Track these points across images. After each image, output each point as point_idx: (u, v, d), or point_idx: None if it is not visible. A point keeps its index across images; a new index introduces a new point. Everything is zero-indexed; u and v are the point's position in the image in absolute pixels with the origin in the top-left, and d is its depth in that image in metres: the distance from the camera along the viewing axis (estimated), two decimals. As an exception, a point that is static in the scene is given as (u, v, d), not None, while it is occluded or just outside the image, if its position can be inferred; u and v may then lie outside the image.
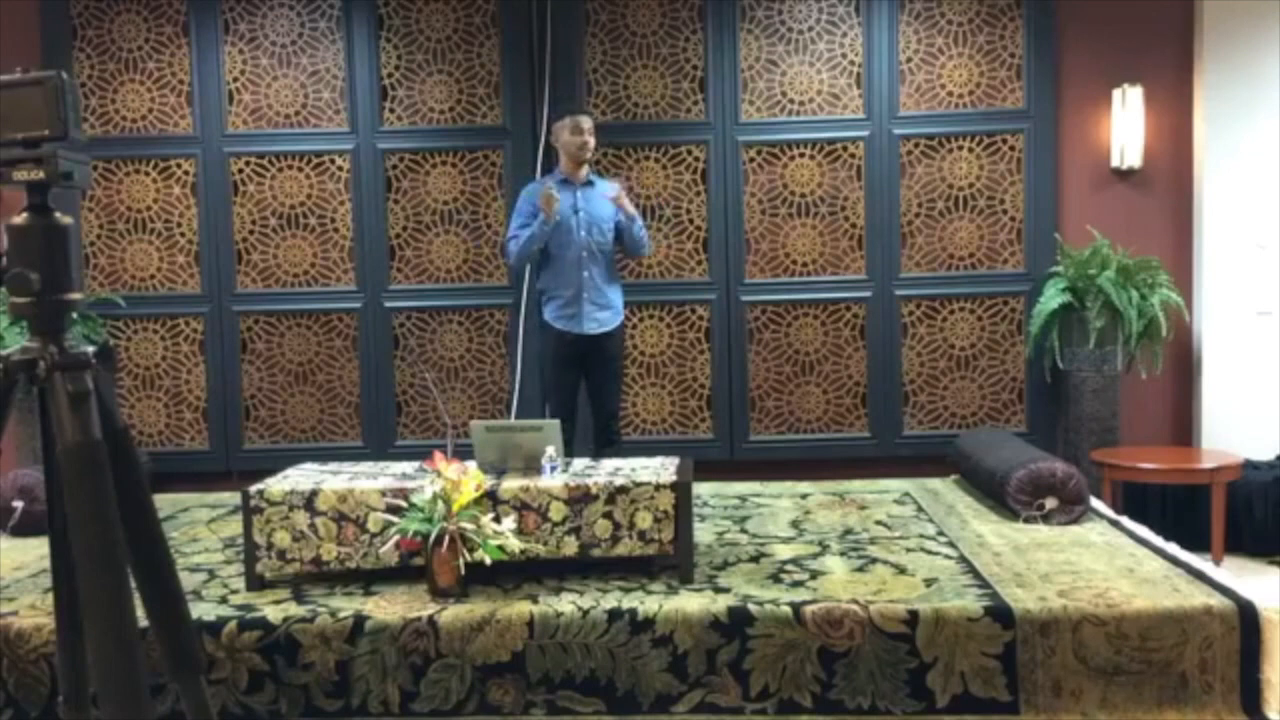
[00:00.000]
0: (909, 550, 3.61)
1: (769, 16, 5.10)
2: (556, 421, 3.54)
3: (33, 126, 1.50)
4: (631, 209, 4.37)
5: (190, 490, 4.94)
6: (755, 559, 3.54)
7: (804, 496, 4.51)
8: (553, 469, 3.40)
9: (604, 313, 4.40)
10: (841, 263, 5.15)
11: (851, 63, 5.09)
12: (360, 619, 3.02)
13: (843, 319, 5.17)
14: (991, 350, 5.15)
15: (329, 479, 3.46)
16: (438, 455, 3.22)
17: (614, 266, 4.49)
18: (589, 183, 4.44)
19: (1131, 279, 4.78)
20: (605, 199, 4.38)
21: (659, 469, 3.47)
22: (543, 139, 5.06)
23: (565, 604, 3.07)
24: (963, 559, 3.48)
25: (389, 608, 3.09)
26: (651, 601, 3.07)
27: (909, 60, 5.08)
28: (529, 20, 5.11)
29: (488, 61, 5.15)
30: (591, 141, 4.39)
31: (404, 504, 3.21)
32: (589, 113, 4.62)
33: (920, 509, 4.23)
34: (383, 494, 3.28)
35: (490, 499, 3.26)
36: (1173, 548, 3.54)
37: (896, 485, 4.69)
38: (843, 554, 3.58)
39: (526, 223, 4.34)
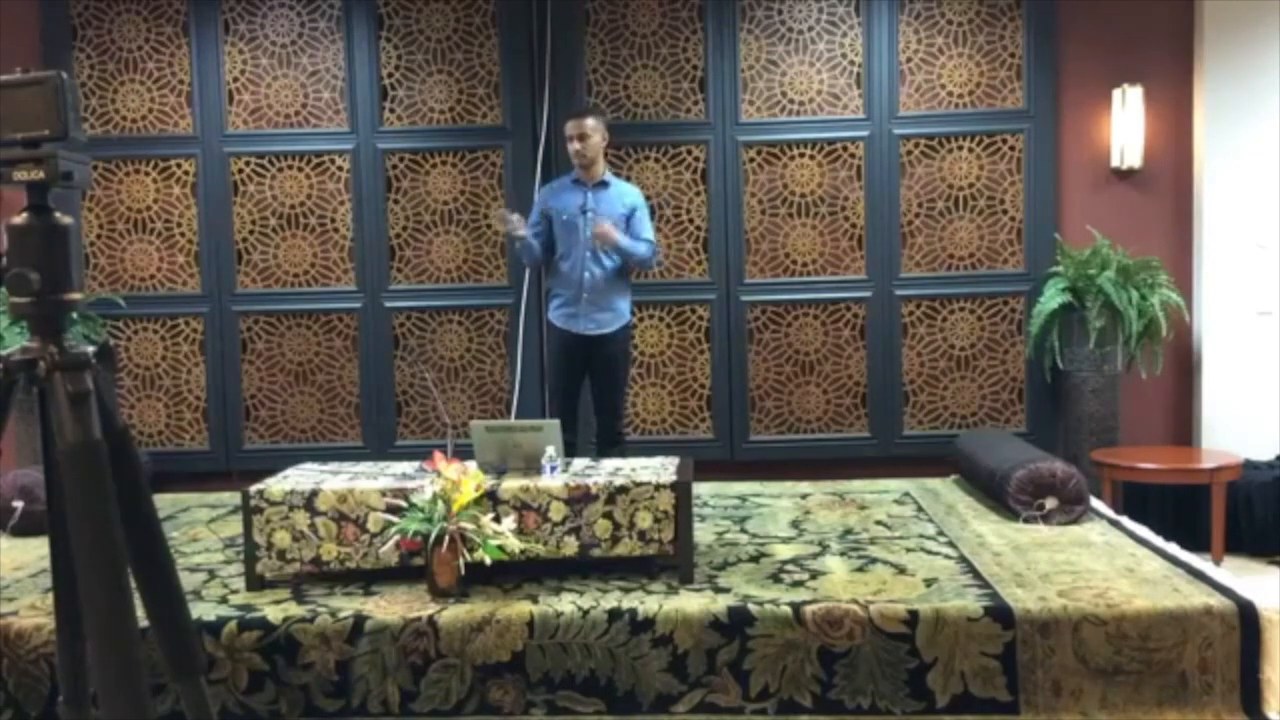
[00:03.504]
0: (909, 550, 3.61)
1: (769, 16, 5.10)
2: (556, 421, 3.54)
3: (33, 126, 1.50)
4: (613, 242, 4.26)
5: (190, 490, 4.94)
6: (755, 559, 3.54)
7: (804, 496, 4.50)
8: (553, 469, 3.40)
9: (603, 314, 4.38)
10: (841, 263, 5.15)
11: (851, 63, 5.09)
12: (360, 619, 3.02)
13: (843, 319, 5.17)
14: (991, 350, 5.15)
15: (329, 479, 3.46)
16: (438, 455, 3.22)
17: (623, 270, 4.44)
18: (603, 183, 4.41)
19: (1131, 279, 4.78)
20: (619, 202, 4.39)
21: (659, 469, 3.47)
22: (543, 139, 5.06)
23: (565, 604, 3.07)
24: (963, 559, 3.48)
25: (389, 608, 3.09)
26: (651, 601, 3.07)
27: (909, 60, 5.08)
28: (529, 20, 5.11)
29: (488, 61, 5.15)
30: (581, 145, 4.31)
31: (404, 504, 3.21)
32: (594, 108, 4.59)
33: (920, 509, 4.23)
34: (383, 494, 3.28)
35: (490, 499, 3.26)
36: (1173, 548, 3.54)
37: (896, 485, 4.69)
38: (843, 554, 3.58)
39: (536, 222, 4.45)
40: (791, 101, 5.12)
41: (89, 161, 1.59)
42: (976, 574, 3.30)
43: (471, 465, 3.36)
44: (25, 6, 5.13)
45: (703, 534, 3.82)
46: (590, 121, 4.35)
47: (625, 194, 4.46)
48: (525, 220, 4.38)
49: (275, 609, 3.10)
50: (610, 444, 4.41)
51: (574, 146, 4.34)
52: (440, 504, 3.12)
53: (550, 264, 4.51)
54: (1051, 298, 4.80)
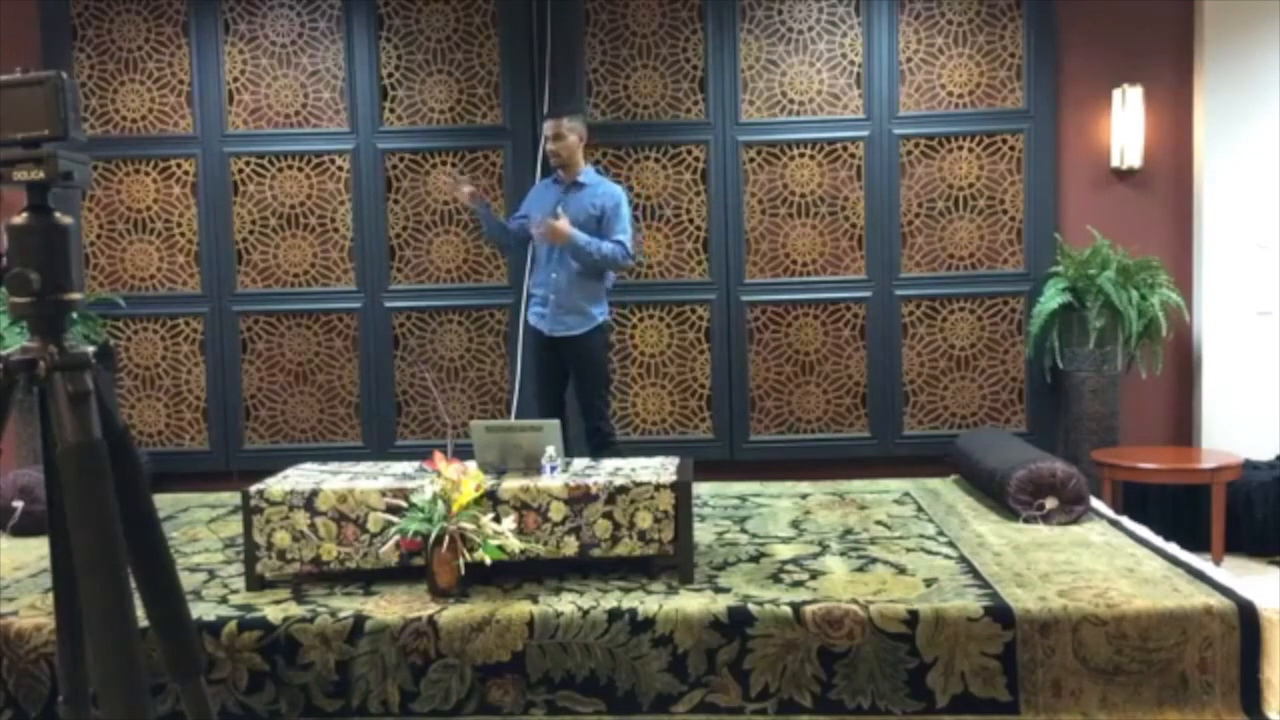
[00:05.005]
0: (909, 550, 3.61)
1: (769, 16, 5.10)
2: (556, 421, 3.54)
3: (33, 126, 1.50)
4: (562, 237, 4.20)
5: (190, 490, 4.94)
6: (755, 559, 3.54)
7: (804, 496, 4.51)
8: (553, 469, 3.40)
9: (570, 317, 4.36)
10: (841, 263, 5.15)
11: (851, 63, 5.09)
12: (360, 619, 3.02)
13: (843, 319, 5.17)
14: (991, 350, 5.15)
15: (329, 479, 3.46)
16: (438, 455, 3.23)
17: (594, 273, 4.36)
18: (577, 184, 4.40)
19: (1131, 279, 4.78)
20: (589, 203, 4.35)
21: (659, 469, 3.47)
22: (542, 139, 5.05)
23: (565, 604, 3.07)
24: (963, 559, 3.48)
25: (389, 608, 3.09)
26: (651, 601, 3.08)
27: (909, 60, 5.08)
28: (529, 20, 5.10)
29: (488, 61, 5.15)
30: (555, 145, 4.33)
31: (404, 504, 3.21)
32: (569, 108, 4.58)
33: (920, 509, 4.23)
34: (383, 494, 3.28)
35: (490, 499, 3.26)
36: (1173, 548, 3.54)
37: (896, 485, 4.69)
38: (843, 554, 3.58)
39: (524, 215, 4.54)
40: (791, 101, 5.11)
41: (89, 161, 1.59)
42: (976, 574, 3.30)
43: (471, 465, 3.36)
44: (25, 6, 5.13)
45: (703, 534, 3.82)
46: (565, 122, 4.34)
47: (599, 195, 4.37)
48: (475, 195, 4.54)
49: (275, 609, 3.10)
50: (599, 445, 4.38)
51: (549, 147, 4.39)
52: (440, 504, 3.12)
53: (531, 261, 4.62)
54: (1051, 298, 4.80)
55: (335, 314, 5.23)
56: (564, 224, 4.20)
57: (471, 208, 4.50)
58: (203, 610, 3.08)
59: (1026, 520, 3.91)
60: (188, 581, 3.34)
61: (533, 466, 3.42)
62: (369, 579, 3.35)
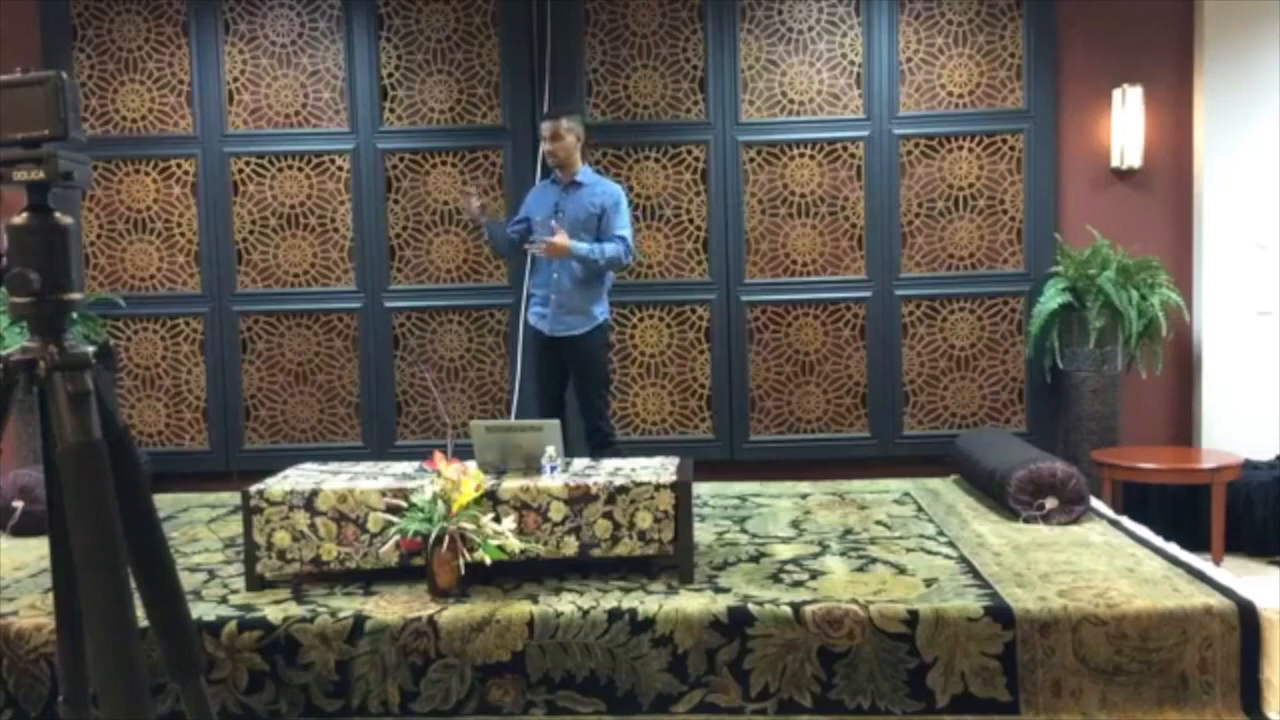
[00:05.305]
0: (909, 550, 3.61)
1: (769, 16, 5.10)
2: (556, 421, 3.54)
3: (33, 126, 1.50)
4: (562, 253, 4.22)
5: (190, 490, 4.94)
6: (755, 559, 3.54)
7: (804, 496, 4.51)
8: (553, 469, 3.40)
9: (571, 316, 4.37)
10: (841, 263, 5.15)
11: (851, 63, 5.09)
12: (360, 619, 3.02)
13: (843, 319, 5.17)
14: (991, 350, 5.15)
15: (329, 479, 3.46)
16: (438, 455, 3.23)
17: (595, 273, 4.36)
18: (575, 184, 4.40)
19: (1131, 279, 4.78)
20: (588, 203, 4.35)
21: (659, 469, 3.47)
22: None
23: (565, 604, 3.07)
24: (963, 559, 3.48)
25: (389, 608, 3.09)
26: (651, 601, 3.08)
27: (909, 60, 5.08)
28: (529, 20, 5.10)
29: (488, 61, 5.15)
30: (552, 146, 4.33)
31: (404, 504, 3.21)
32: (566, 108, 4.59)
33: (920, 509, 4.23)
34: (383, 494, 3.28)
35: (490, 499, 3.26)
36: (1173, 548, 3.54)
37: (896, 485, 4.69)
38: (843, 554, 3.58)
39: (522, 219, 4.54)
40: (791, 101, 5.11)
41: (89, 161, 1.59)
42: (976, 574, 3.30)
43: (471, 465, 3.36)
44: (25, 6, 5.13)
45: (703, 534, 3.82)
46: (563, 122, 4.34)
47: (598, 195, 4.38)
48: (486, 208, 4.66)
49: (275, 609, 3.10)
50: (599, 445, 4.37)
51: (546, 147, 4.40)
52: (440, 504, 3.12)
53: (532, 262, 4.65)
54: (1051, 298, 4.80)
55: (335, 314, 5.23)
56: (562, 238, 4.20)
57: (478, 219, 4.52)
58: (203, 610, 3.08)
59: (1026, 520, 3.91)
60: (188, 581, 3.34)
61: (533, 466, 3.42)
62: (369, 579, 3.35)
